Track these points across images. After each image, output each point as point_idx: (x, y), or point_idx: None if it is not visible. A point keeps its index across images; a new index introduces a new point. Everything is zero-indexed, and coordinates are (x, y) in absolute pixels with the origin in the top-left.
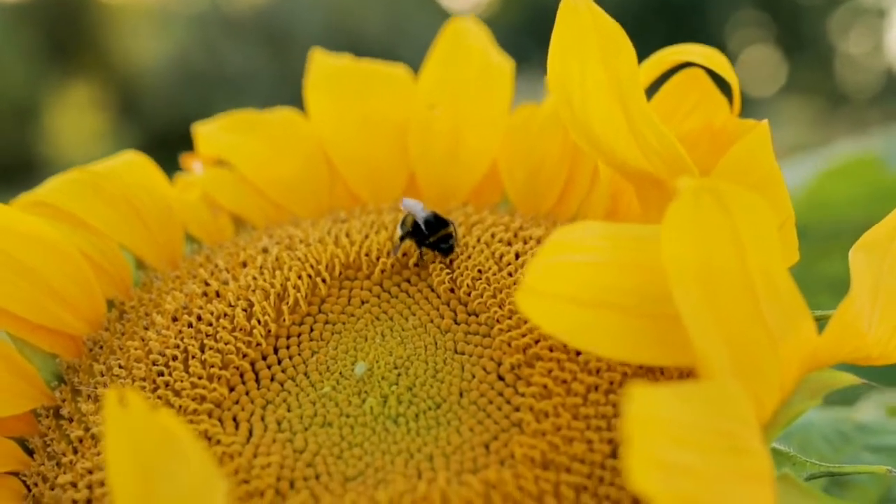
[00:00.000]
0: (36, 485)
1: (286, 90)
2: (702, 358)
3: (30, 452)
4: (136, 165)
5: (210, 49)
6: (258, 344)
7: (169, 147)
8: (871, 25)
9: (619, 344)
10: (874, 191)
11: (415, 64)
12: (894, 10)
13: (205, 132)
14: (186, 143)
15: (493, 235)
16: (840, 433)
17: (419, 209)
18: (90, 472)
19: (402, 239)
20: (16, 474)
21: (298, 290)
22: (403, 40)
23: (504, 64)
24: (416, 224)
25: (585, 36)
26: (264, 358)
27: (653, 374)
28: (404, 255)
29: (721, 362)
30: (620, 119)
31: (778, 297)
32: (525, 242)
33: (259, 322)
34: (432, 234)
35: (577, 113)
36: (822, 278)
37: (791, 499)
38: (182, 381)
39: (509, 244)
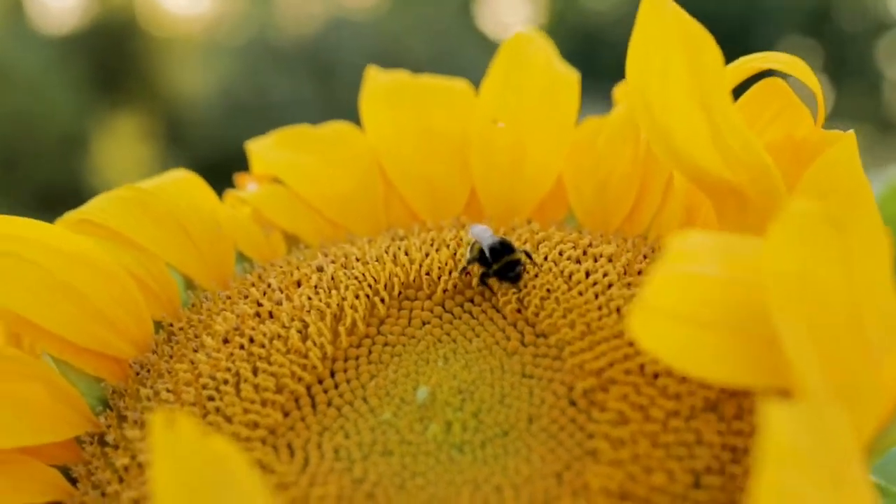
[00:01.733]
0: None
1: (331, 119)
2: (800, 380)
3: (73, 481)
4: (184, 183)
5: (256, 79)
6: (314, 367)
7: (216, 177)
8: None
9: (721, 366)
10: None
11: None
12: None
13: (257, 149)
14: (232, 173)
15: (560, 253)
16: None
17: (487, 235)
18: (136, 502)
19: (466, 266)
20: None
21: (356, 311)
22: (450, 70)
23: (570, 75)
24: (482, 251)
25: (668, 37)
26: (320, 382)
27: (736, 398)
28: (467, 275)
29: (819, 385)
30: (703, 125)
31: (882, 318)
32: (595, 260)
33: (315, 344)
34: (496, 262)
35: (656, 118)
36: None
37: None
38: (234, 406)
39: (578, 262)
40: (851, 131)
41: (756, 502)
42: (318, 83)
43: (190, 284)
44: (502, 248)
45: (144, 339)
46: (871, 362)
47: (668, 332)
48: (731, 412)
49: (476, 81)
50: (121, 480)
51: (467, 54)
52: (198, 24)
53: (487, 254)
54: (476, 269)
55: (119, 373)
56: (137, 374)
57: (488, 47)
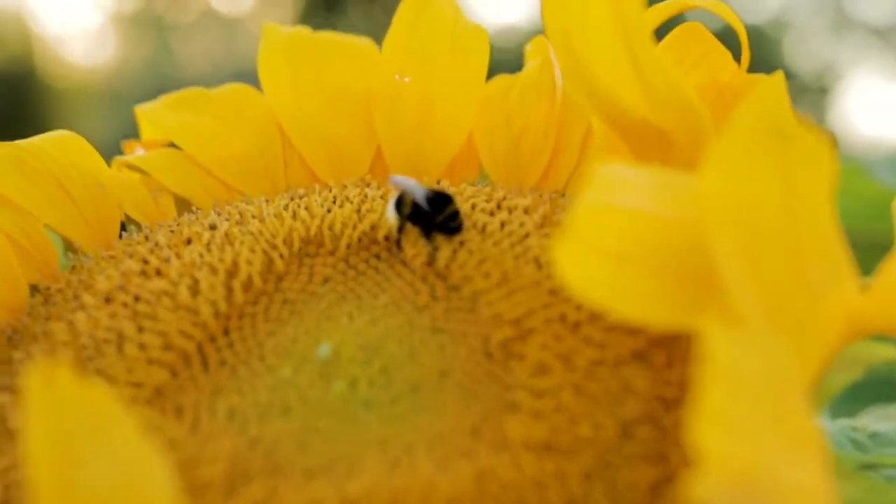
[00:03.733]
0: None
1: None
2: (738, 308)
3: None
4: (65, 142)
5: None
6: (205, 324)
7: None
8: (813, 102)
9: (652, 306)
10: (862, 201)
11: None
12: (835, 88)
13: (148, 112)
14: None
15: (473, 206)
16: (855, 442)
17: (416, 186)
18: (6, 470)
19: (401, 226)
20: None
21: (252, 265)
22: None
23: (478, 30)
24: (415, 205)
25: None
26: (213, 340)
27: (666, 348)
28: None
29: (759, 314)
30: (625, 63)
31: (822, 252)
32: (510, 212)
33: (206, 300)
34: (438, 214)
35: (577, 57)
36: None
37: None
38: (116, 366)
39: (492, 214)
40: (779, 72)
41: (696, 429)
42: None
43: (70, 247)
44: (438, 199)
45: (18, 304)
46: (811, 297)
47: (596, 267)
48: (660, 361)
49: None
50: None
51: None
52: (99, 74)
53: (425, 205)
54: (414, 229)
55: None
56: (10, 338)
57: None
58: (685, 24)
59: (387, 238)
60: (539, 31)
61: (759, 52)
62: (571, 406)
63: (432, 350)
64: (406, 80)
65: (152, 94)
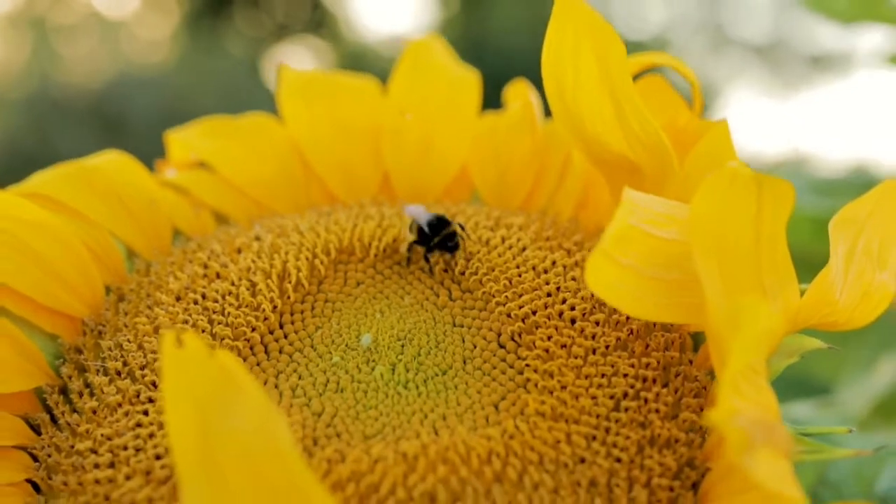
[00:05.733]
0: (50, 455)
1: None
2: (711, 309)
3: (32, 429)
4: (120, 162)
5: (41, 131)
6: (266, 318)
7: None
8: None
9: (659, 309)
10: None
11: None
12: (714, 104)
13: (181, 138)
14: None
15: (476, 224)
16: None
17: (422, 212)
18: (109, 438)
19: (410, 247)
20: (23, 448)
21: (300, 271)
22: None
23: (470, 75)
24: (420, 229)
25: (579, 32)
26: (271, 332)
27: (643, 339)
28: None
29: (725, 308)
30: (610, 109)
31: (776, 266)
32: (508, 229)
33: (265, 298)
34: (436, 235)
35: (567, 103)
36: None
37: None
38: None
39: (492, 230)
40: (725, 119)
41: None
42: (107, 135)
43: (131, 254)
44: (439, 223)
45: (96, 301)
46: (764, 297)
47: (617, 278)
48: (639, 349)
49: None
50: (91, 421)
51: (256, 107)
52: None
53: (426, 229)
54: (419, 248)
55: (73, 331)
56: (93, 330)
57: (274, 102)
58: (649, 77)
59: (424, 260)
60: None
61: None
62: (574, 384)
63: (454, 341)
64: (409, 116)
65: (34, 96)
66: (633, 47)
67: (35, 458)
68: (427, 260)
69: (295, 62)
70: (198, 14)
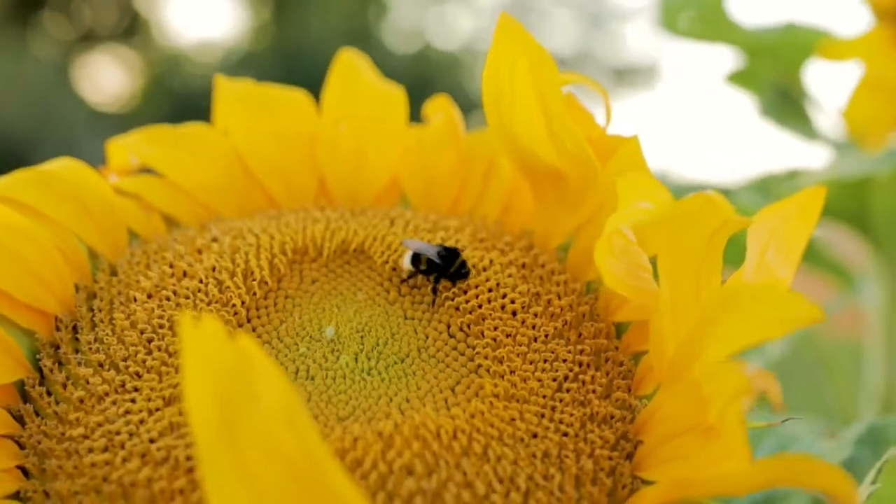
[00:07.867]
0: (39, 442)
1: None
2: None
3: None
4: (76, 167)
5: None
6: (236, 313)
7: None
8: None
9: (640, 292)
10: None
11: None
12: None
13: (126, 144)
14: None
15: (416, 227)
16: None
17: (428, 247)
18: (101, 424)
19: (413, 273)
20: (9, 437)
21: (262, 269)
22: (48, 126)
23: (396, 90)
24: (430, 261)
25: (516, 53)
26: (241, 326)
27: (576, 329)
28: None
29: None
30: (541, 124)
31: (713, 294)
32: (446, 231)
33: (234, 294)
34: (450, 266)
35: (504, 118)
36: None
37: None
38: (174, 345)
39: (432, 232)
40: (635, 134)
41: None
42: None
43: (93, 254)
44: (450, 254)
45: (68, 298)
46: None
47: (611, 265)
48: (574, 337)
49: (75, 139)
50: (78, 410)
51: (65, 113)
52: None
53: (438, 261)
54: (422, 279)
55: (47, 327)
56: (67, 326)
57: (85, 108)
58: (566, 95)
59: (403, 280)
60: (236, 47)
61: (454, 77)
62: (521, 369)
63: (408, 332)
64: (342, 127)
65: None
66: (446, 57)
67: (21, 447)
68: (435, 292)
69: (107, 67)
70: (4, 19)
